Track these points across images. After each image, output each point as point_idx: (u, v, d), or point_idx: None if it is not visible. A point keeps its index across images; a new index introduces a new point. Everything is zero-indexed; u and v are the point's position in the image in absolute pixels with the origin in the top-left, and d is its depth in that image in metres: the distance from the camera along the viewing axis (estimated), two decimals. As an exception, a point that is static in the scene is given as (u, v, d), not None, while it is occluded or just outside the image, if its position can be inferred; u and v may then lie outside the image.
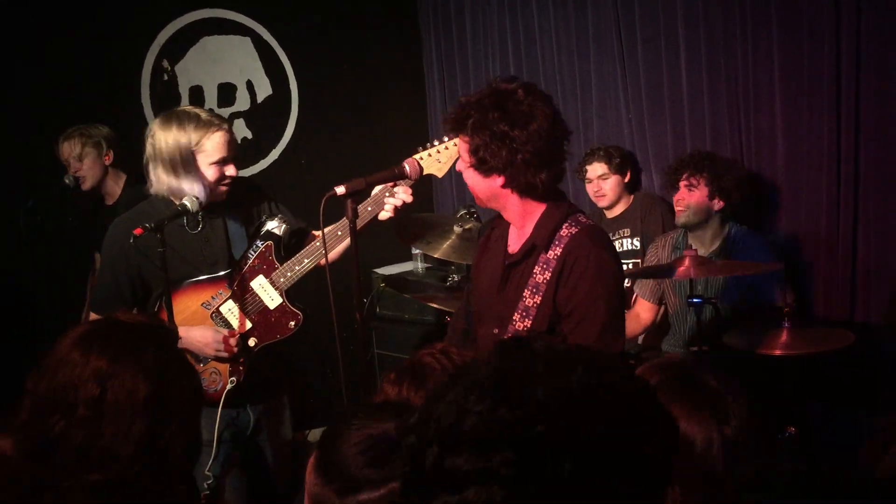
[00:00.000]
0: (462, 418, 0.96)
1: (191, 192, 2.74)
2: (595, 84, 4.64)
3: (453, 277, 4.64)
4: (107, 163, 4.16)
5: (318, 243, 2.82)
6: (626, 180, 4.30)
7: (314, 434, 4.70)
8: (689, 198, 3.72)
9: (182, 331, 2.63)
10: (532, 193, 2.34)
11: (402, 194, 2.72)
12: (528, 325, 2.35)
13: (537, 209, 2.37)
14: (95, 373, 1.55)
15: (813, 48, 3.67)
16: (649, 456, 0.98)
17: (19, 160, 4.16)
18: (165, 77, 4.68)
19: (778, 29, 3.78)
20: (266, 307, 2.86)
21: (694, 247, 3.67)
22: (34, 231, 3.99)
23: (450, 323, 2.97)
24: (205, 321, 2.83)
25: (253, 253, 2.88)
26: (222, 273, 2.85)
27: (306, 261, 2.84)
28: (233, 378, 2.82)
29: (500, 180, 2.30)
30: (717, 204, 3.69)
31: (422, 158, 2.64)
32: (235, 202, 2.91)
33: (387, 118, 5.39)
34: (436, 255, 3.87)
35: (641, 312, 3.98)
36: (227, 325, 2.84)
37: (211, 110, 3.09)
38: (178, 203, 2.74)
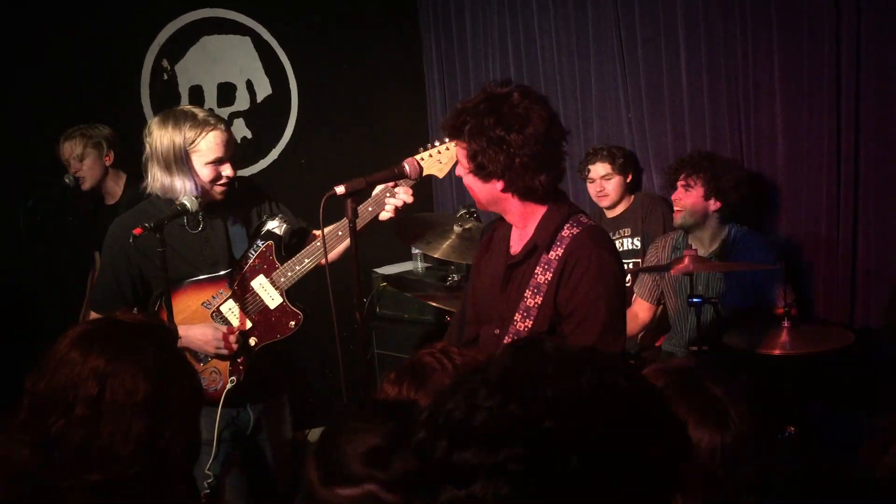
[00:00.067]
0: (472, 414, 0.97)
1: (182, 190, 2.74)
2: (595, 84, 4.64)
3: (453, 277, 4.64)
4: (107, 163, 4.17)
5: (318, 243, 2.82)
6: (628, 181, 4.31)
7: (314, 433, 4.69)
8: (686, 198, 3.72)
9: (182, 329, 2.63)
10: (532, 196, 2.34)
11: (403, 195, 2.72)
12: (530, 326, 2.35)
13: (538, 210, 2.38)
14: (94, 372, 1.55)
15: (813, 48, 3.67)
16: (655, 457, 0.98)
17: (19, 160, 4.16)
18: (165, 77, 4.68)
19: (778, 29, 3.78)
20: (266, 307, 2.86)
21: (693, 245, 3.67)
22: (34, 231, 3.99)
23: (450, 323, 2.98)
24: (205, 320, 2.83)
25: (253, 252, 2.88)
26: (223, 272, 2.85)
27: (307, 261, 2.84)
28: (233, 377, 2.83)
29: (499, 185, 2.30)
30: (714, 204, 3.69)
31: (422, 159, 2.64)
32: (236, 202, 2.92)
33: (387, 118, 5.39)
34: (436, 255, 3.87)
35: (639, 312, 3.98)
36: (228, 324, 2.84)
37: (210, 110, 3.09)
38: (177, 203, 2.74)
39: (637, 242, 4.24)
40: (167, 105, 4.45)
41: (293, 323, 2.86)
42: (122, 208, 3.55)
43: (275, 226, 2.90)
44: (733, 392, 1.59)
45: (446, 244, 3.80)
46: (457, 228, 3.84)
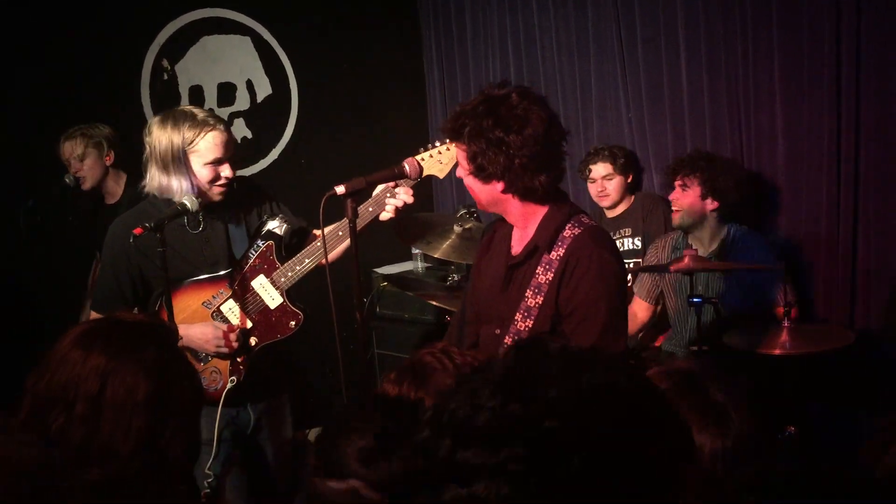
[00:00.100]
0: (475, 413, 0.98)
1: (178, 190, 2.74)
2: (595, 84, 4.64)
3: (453, 277, 4.64)
4: (108, 163, 4.17)
5: (318, 243, 2.82)
6: (629, 181, 4.31)
7: (315, 433, 4.69)
8: (683, 198, 3.73)
9: (182, 329, 2.63)
10: (532, 196, 2.34)
11: (403, 195, 2.72)
12: (530, 326, 2.35)
13: (539, 211, 2.38)
14: (95, 370, 1.55)
15: (813, 48, 3.67)
16: (657, 457, 0.98)
17: (19, 160, 4.15)
18: (165, 76, 4.68)
19: (778, 29, 3.79)
20: (267, 307, 2.86)
21: (693, 245, 3.67)
22: (34, 231, 3.99)
23: (450, 323, 2.98)
24: (205, 320, 2.83)
25: (254, 252, 2.88)
26: (223, 272, 2.85)
27: (307, 261, 2.84)
28: (233, 377, 2.83)
29: (499, 186, 2.30)
30: (712, 204, 3.69)
31: (423, 159, 2.64)
32: (236, 202, 2.92)
33: (387, 118, 5.39)
34: (436, 255, 3.87)
35: (638, 311, 3.99)
36: (228, 324, 2.84)
37: (210, 110, 3.08)
38: (177, 202, 2.74)
39: (638, 242, 4.24)
40: (167, 105, 4.45)
41: (293, 323, 2.86)
42: (122, 208, 3.54)
43: (275, 226, 2.90)
44: (734, 394, 1.59)
45: (446, 244, 3.80)
46: (457, 228, 3.84)
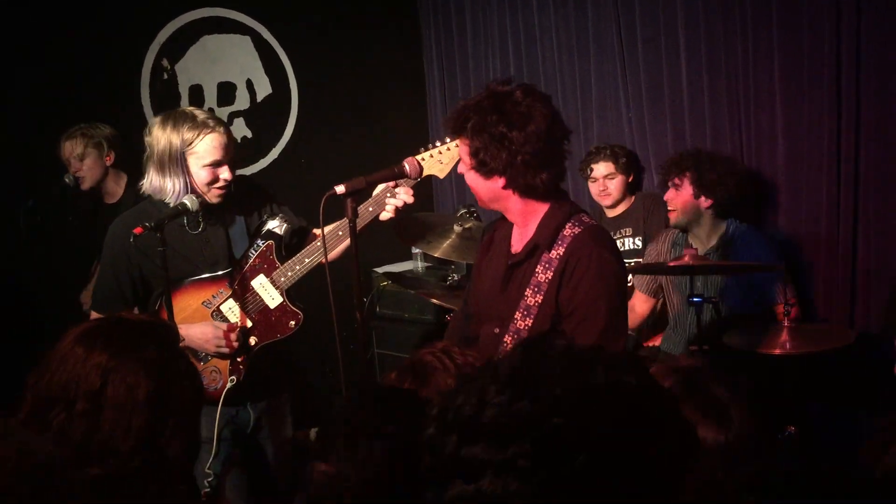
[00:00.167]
0: (481, 410, 0.98)
1: (171, 191, 2.74)
2: (595, 83, 4.64)
3: (453, 276, 4.64)
4: (108, 163, 4.17)
5: (318, 243, 2.82)
6: (630, 180, 4.32)
7: (315, 433, 4.69)
8: (677, 198, 3.74)
9: (182, 329, 2.62)
10: (533, 194, 2.34)
11: (404, 195, 2.72)
12: (530, 325, 2.35)
13: (540, 209, 2.38)
14: (97, 367, 1.56)
15: (813, 48, 3.67)
16: (663, 456, 0.99)
17: (19, 160, 4.15)
18: (165, 76, 4.68)
19: (778, 28, 3.79)
20: (266, 306, 2.86)
21: (692, 243, 3.68)
22: (34, 231, 3.99)
23: (450, 323, 2.97)
24: (205, 320, 2.83)
25: (254, 252, 2.88)
26: (223, 272, 2.85)
27: (307, 260, 2.84)
28: (233, 377, 2.83)
29: (500, 182, 2.30)
30: (705, 201, 3.69)
31: (423, 159, 2.64)
32: (236, 202, 2.92)
33: (387, 118, 5.39)
34: (436, 255, 3.87)
35: (637, 305, 3.99)
36: (228, 323, 2.84)
37: (211, 111, 3.09)
38: (178, 202, 2.74)
39: (638, 242, 4.24)
40: (167, 104, 4.45)
41: (293, 322, 2.87)
42: (123, 208, 3.54)
43: (275, 225, 2.90)
44: (736, 392, 1.59)
45: (446, 244, 3.80)
46: (457, 228, 3.84)
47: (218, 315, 2.85)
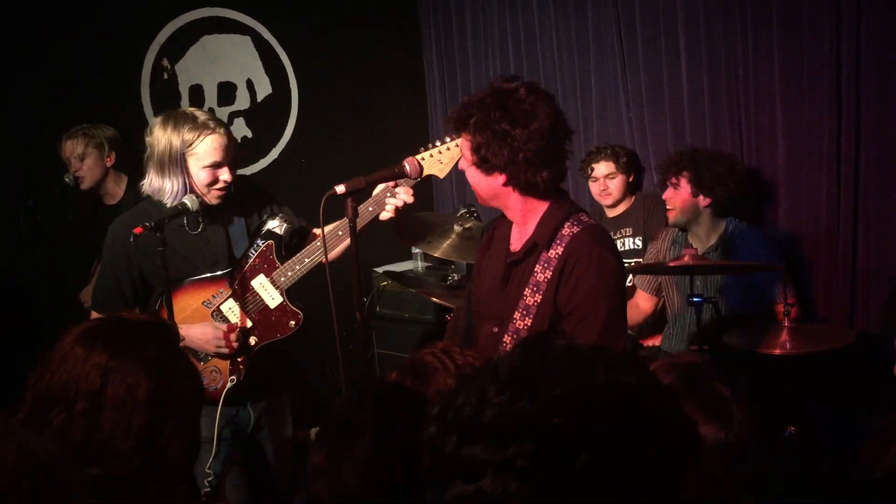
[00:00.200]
0: (481, 410, 0.98)
1: (170, 192, 2.74)
2: (595, 83, 4.64)
3: (453, 276, 4.64)
4: (108, 164, 4.17)
5: (318, 243, 2.82)
6: (630, 180, 4.32)
7: (315, 432, 4.69)
8: (675, 197, 3.74)
9: (182, 329, 2.62)
10: (533, 192, 2.34)
11: (404, 195, 2.72)
12: (529, 324, 2.35)
13: (539, 207, 2.38)
14: (97, 367, 1.56)
15: (813, 47, 3.67)
16: (664, 455, 0.99)
17: (19, 160, 4.15)
18: (165, 76, 4.68)
19: (778, 28, 3.79)
20: (266, 306, 2.86)
21: (692, 242, 3.67)
22: (34, 231, 3.99)
23: (450, 322, 2.97)
24: (205, 319, 2.83)
25: (254, 252, 2.88)
26: (223, 272, 2.85)
27: (307, 260, 2.84)
28: (233, 376, 2.83)
29: (501, 178, 2.30)
30: (704, 200, 3.69)
31: (423, 159, 2.63)
32: (236, 202, 2.91)
33: (387, 118, 5.39)
34: (436, 255, 3.87)
35: (641, 302, 4.00)
36: (228, 323, 2.84)
37: (212, 112, 3.08)
38: (178, 202, 2.74)
39: (639, 242, 4.24)
40: (167, 104, 4.45)
41: (293, 322, 2.87)
42: (124, 209, 3.54)
43: (275, 225, 2.91)
44: (738, 391, 1.59)
45: (446, 243, 3.80)
46: (457, 228, 3.84)
47: (218, 315, 2.85)
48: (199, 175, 2.75)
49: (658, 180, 4.01)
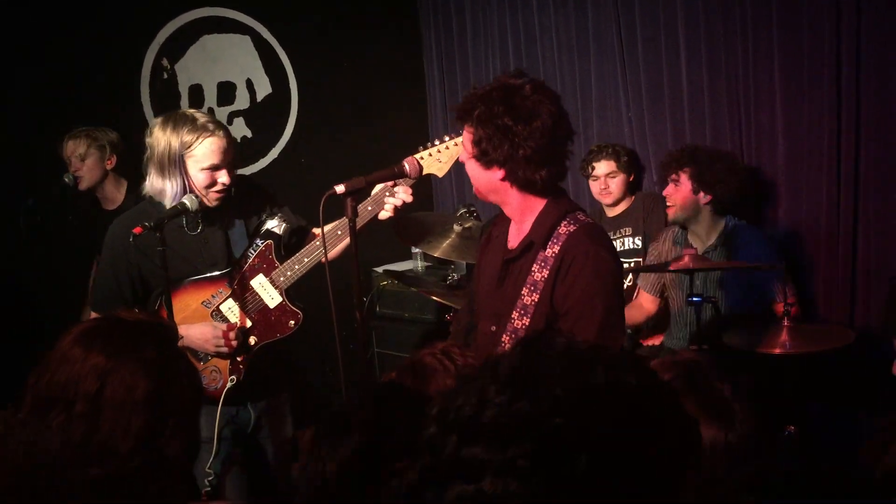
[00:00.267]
0: (481, 410, 0.98)
1: (170, 194, 2.75)
2: (595, 83, 4.64)
3: (453, 276, 4.64)
4: (108, 167, 4.17)
5: (317, 242, 2.82)
6: (631, 179, 4.32)
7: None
8: (676, 194, 3.74)
9: (181, 329, 2.62)
10: (531, 189, 2.34)
11: (403, 194, 2.73)
12: (527, 324, 2.35)
13: (537, 205, 2.38)
14: (95, 369, 1.55)
15: (813, 47, 3.67)
16: (665, 455, 0.98)
17: (19, 160, 4.15)
18: (165, 76, 4.68)
19: (778, 28, 3.79)
20: (266, 306, 2.86)
21: (692, 242, 3.67)
22: (34, 231, 3.98)
23: (454, 320, 2.97)
24: (205, 319, 2.83)
25: (253, 252, 2.88)
26: (222, 272, 2.85)
27: (306, 260, 2.84)
28: (233, 376, 2.83)
29: (499, 173, 2.31)
30: (704, 197, 3.69)
31: (422, 158, 2.64)
32: (235, 202, 2.91)
33: (387, 118, 5.39)
34: (436, 255, 3.87)
35: (645, 303, 4.00)
36: (227, 323, 2.84)
37: (212, 113, 3.08)
38: (177, 203, 2.75)
39: (638, 242, 4.24)
40: (167, 104, 4.45)
41: (293, 322, 2.87)
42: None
43: (274, 225, 2.91)
44: (738, 390, 1.59)
45: (446, 243, 3.80)
46: (457, 227, 3.84)
47: (217, 315, 2.85)
48: (198, 177, 2.75)
49: (658, 177, 4.01)
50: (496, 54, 5.10)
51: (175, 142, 2.72)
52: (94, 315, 2.85)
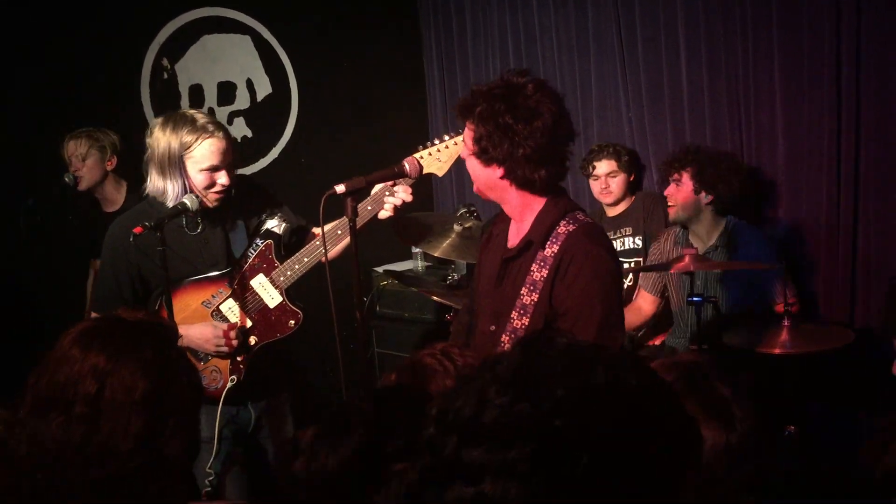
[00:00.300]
0: (482, 411, 0.97)
1: (172, 195, 2.75)
2: (595, 83, 4.64)
3: (453, 276, 4.64)
4: (108, 168, 4.18)
5: (317, 242, 2.82)
6: (631, 179, 4.32)
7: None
8: (677, 194, 3.74)
9: (181, 329, 2.62)
10: (530, 188, 2.35)
11: (402, 193, 2.73)
12: (526, 323, 2.35)
13: (536, 204, 2.38)
14: (93, 370, 1.55)
15: (813, 47, 3.67)
16: (667, 455, 0.98)
17: (19, 160, 4.15)
18: (165, 76, 4.68)
19: (778, 28, 3.79)
20: (266, 306, 2.86)
21: (693, 242, 3.67)
22: (34, 231, 3.98)
23: (455, 320, 2.98)
24: (205, 319, 2.83)
25: (253, 251, 2.88)
26: (223, 272, 2.85)
27: (306, 259, 2.84)
28: (233, 376, 2.83)
29: (499, 171, 2.31)
30: (706, 198, 3.69)
31: (422, 157, 2.64)
32: (235, 202, 2.91)
33: (387, 118, 5.39)
34: (436, 254, 3.87)
35: (643, 305, 3.99)
36: (228, 323, 2.84)
37: (212, 114, 3.08)
38: (178, 203, 2.75)
39: (638, 241, 4.24)
40: (167, 104, 4.45)
41: (293, 322, 2.87)
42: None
43: (274, 225, 2.91)
44: (738, 391, 1.59)
45: (446, 243, 3.80)
46: (457, 227, 3.84)
47: (217, 315, 2.85)
48: (197, 178, 2.75)
49: (660, 177, 4.01)
50: (496, 54, 5.10)
51: (175, 142, 2.72)
52: (94, 314, 2.85)
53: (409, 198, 2.73)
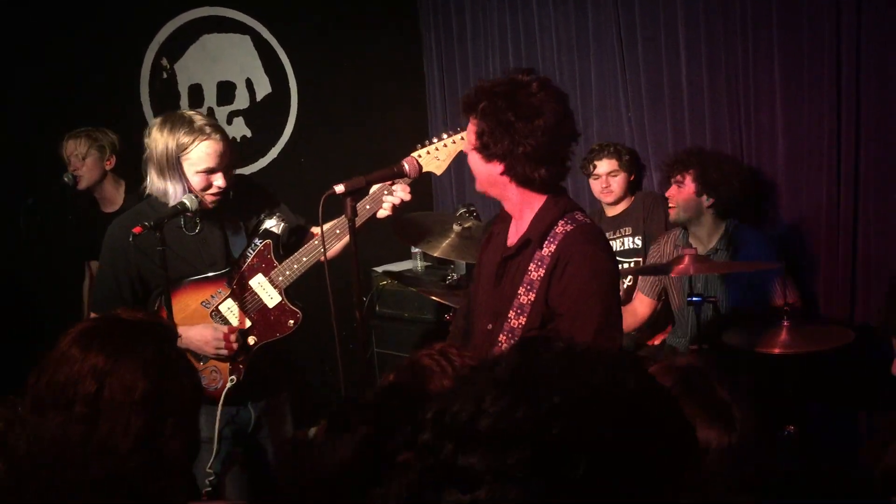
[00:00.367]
0: (478, 416, 0.96)
1: (173, 195, 2.75)
2: (595, 82, 4.64)
3: (452, 276, 4.64)
4: (107, 167, 4.18)
5: (316, 241, 2.82)
6: (632, 179, 4.32)
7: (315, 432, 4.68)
8: (679, 195, 3.74)
9: (181, 330, 2.62)
10: (530, 186, 2.35)
11: (401, 193, 2.73)
12: (523, 323, 2.35)
13: (536, 202, 2.38)
14: (93, 370, 1.55)
15: (813, 47, 3.67)
16: (665, 458, 0.98)
17: (19, 160, 4.15)
18: (164, 75, 4.68)
19: (778, 28, 3.79)
20: (265, 306, 2.86)
21: (693, 244, 3.67)
22: (34, 230, 3.99)
23: (453, 319, 2.98)
24: (204, 320, 2.83)
25: (252, 251, 2.88)
26: (221, 272, 2.85)
27: (305, 259, 2.84)
28: (233, 376, 2.83)
29: (499, 168, 2.32)
30: (707, 200, 3.70)
31: (420, 157, 2.64)
32: (234, 202, 2.91)
33: (387, 117, 5.39)
34: (435, 254, 3.87)
35: (639, 308, 3.99)
36: (227, 323, 2.84)
37: (211, 113, 3.07)
38: (177, 202, 2.74)
39: (638, 241, 4.24)
40: (167, 104, 4.45)
41: (292, 321, 2.86)
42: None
43: (273, 224, 2.90)
44: (737, 391, 1.59)
45: (446, 243, 3.80)
46: (456, 227, 3.84)
47: (217, 315, 2.84)
48: (194, 179, 2.75)
49: (661, 178, 4.01)
50: (496, 54, 5.10)
51: (172, 143, 2.72)
52: (93, 315, 2.85)
53: (407, 197, 2.73)
